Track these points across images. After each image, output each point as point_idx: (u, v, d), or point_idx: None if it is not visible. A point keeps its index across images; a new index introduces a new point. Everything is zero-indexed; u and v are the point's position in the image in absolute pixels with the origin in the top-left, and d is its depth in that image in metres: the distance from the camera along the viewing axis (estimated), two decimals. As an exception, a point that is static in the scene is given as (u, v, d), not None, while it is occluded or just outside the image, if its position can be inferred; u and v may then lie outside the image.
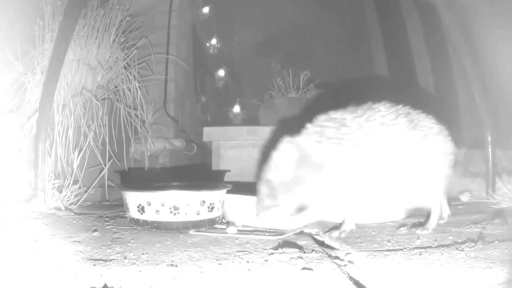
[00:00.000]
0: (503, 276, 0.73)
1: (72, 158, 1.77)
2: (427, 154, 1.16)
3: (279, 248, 0.99)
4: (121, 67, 2.26)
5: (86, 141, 1.85)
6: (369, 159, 1.11)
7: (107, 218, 1.43)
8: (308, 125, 1.16)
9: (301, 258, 0.89)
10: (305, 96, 2.78)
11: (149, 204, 1.16)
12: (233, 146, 2.59)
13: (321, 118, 1.16)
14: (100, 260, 0.87)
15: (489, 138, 1.77)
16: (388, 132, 1.13)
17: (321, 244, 1.09)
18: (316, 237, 1.23)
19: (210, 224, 1.23)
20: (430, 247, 0.97)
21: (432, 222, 1.20)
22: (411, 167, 1.14)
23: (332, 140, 1.11)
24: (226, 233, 1.20)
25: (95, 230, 1.18)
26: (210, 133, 2.62)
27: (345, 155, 1.10)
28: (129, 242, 1.05)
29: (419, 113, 1.22)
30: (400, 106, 1.20)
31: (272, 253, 0.94)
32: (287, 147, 1.13)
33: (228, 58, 4.90)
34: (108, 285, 0.70)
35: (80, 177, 1.75)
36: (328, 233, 1.20)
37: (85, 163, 1.82)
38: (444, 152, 1.20)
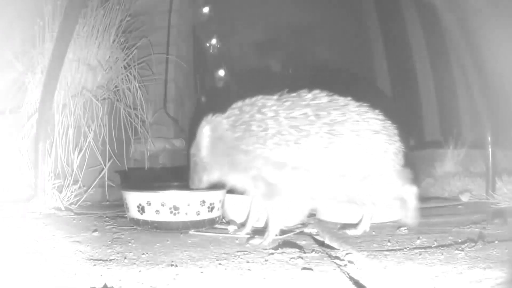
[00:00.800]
0: (503, 276, 0.73)
1: (72, 158, 1.77)
2: (356, 152, 1.08)
3: (279, 248, 0.99)
4: (121, 67, 2.26)
5: (86, 141, 1.85)
6: (279, 148, 1.07)
7: (107, 218, 1.43)
8: (233, 106, 1.16)
9: (301, 258, 0.89)
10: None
11: (149, 204, 1.16)
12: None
13: (247, 101, 1.15)
14: (100, 260, 0.87)
15: (489, 138, 1.77)
16: (308, 123, 1.07)
17: (321, 244, 1.10)
18: (316, 237, 1.23)
19: (210, 224, 1.23)
20: (430, 247, 0.97)
21: (364, 224, 1.18)
22: (333, 163, 1.08)
23: (242, 126, 1.11)
24: (226, 233, 1.20)
25: (95, 230, 1.18)
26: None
27: (252, 141, 1.09)
28: (129, 242, 1.05)
29: (361, 107, 1.14)
30: (335, 96, 1.13)
31: (272, 253, 0.94)
32: (203, 126, 1.17)
33: (228, 58, 4.90)
34: (108, 285, 0.70)
35: (80, 177, 1.75)
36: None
37: (85, 163, 1.82)
38: (386, 152, 1.11)
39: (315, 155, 1.07)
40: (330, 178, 1.09)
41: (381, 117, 1.15)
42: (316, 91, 1.14)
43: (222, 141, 1.13)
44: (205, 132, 1.16)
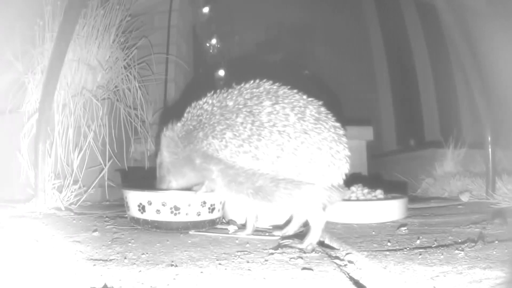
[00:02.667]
0: (503, 276, 0.73)
1: (72, 158, 1.77)
2: (270, 150, 0.97)
3: (279, 248, 0.99)
4: (121, 67, 2.26)
5: (86, 141, 1.85)
6: (206, 140, 1.05)
7: (107, 218, 1.43)
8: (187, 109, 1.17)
9: (301, 258, 0.89)
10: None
11: (150, 204, 1.16)
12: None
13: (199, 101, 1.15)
14: (100, 260, 0.87)
15: (489, 138, 1.77)
16: (235, 111, 1.03)
17: (321, 244, 1.09)
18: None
19: (210, 225, 1.23)
20: (430, 247, 0.97)
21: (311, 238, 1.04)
22: (247, 159, 0.99)
23: (186, 126, 1.12)
24: (226, 233, 1.20)
25: (95, 230, 1.18)
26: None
27: (189, 136, 1.10)
28: (129, 242, 1.05)
29: (302, 100, 1.03)
30: (278, 87, 1.05)
31: (272, 253, 0.94)
32: (162, 134, 1.19)
33: (228, 58, 4.90)
34: (108, 285, 0.70)
35: (80, 177, 1.75)
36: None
37: (85, 163, 1.82)
38: (310, 161, 0.97)
39: (235, 147, 1.01)
40: (248, 175, 1.01)
41: (323, 116, 1.03)
42: (261, 81, 1.08)
43: (177, 147, 1.15)
44: (162, 138, 1.19)
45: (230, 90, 1.10)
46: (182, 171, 1.17)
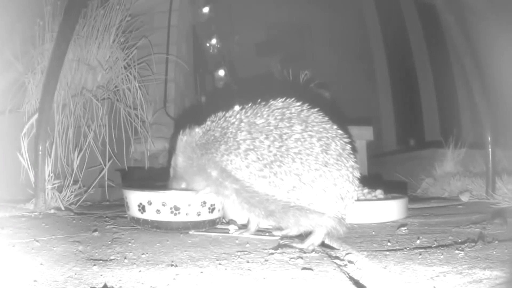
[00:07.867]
0: (503, 276, 0.73)
1: (72, 158, 1.77)
2: (290, 179, 0.97)
3: (279, 248, 0.99)
4: (121, 67, 2.26)
5: (86, 141, 1.86)
6: (228, 156, 1.03)
7: (107, 218, 1.43)
8: (211, 118, 1.15)
9: (301, 258, 0.89)
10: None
11: (150, 204, 1.16)
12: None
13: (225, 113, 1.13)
14: (100, 260, 0.87)
15: (489, 138, 1.77)
16: (265, 132, 1.01)
17: (321, 244, 1.09)
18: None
19: (210, 225, 1.23)
20: (430, 247, 0.97)
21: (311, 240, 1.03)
22: (267, 182, 0.99)
23: (207, 136, 1.11)
24: (226, 233, 1.20)
25: (95, 230, 1.18)
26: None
27: (209, 147, 1.08)
28: (129, 242, 1.05)
29: (330, 130, 1.04)
30: (309, 111, 1.05)
31: (272, 253, 0.94)
32: (178, 138, 1.18)
33: (228, 58, 4.90)
34: (108, 285, 0.70)
35: (80, 177, 1.75)
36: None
37: (85, 163, 1.83)
38: (325, 190, 0.98)
39: (256, 169, 1.00)
40: (261, 200, 1.02)
41: (346, 153, 1.04)
42: (290, 100, 1.08)
43: (194, 153, 1.13)
44: (178, 143, 1.18)
45: (258, 106, 1.08)
46: (194, 178, 1.16)
